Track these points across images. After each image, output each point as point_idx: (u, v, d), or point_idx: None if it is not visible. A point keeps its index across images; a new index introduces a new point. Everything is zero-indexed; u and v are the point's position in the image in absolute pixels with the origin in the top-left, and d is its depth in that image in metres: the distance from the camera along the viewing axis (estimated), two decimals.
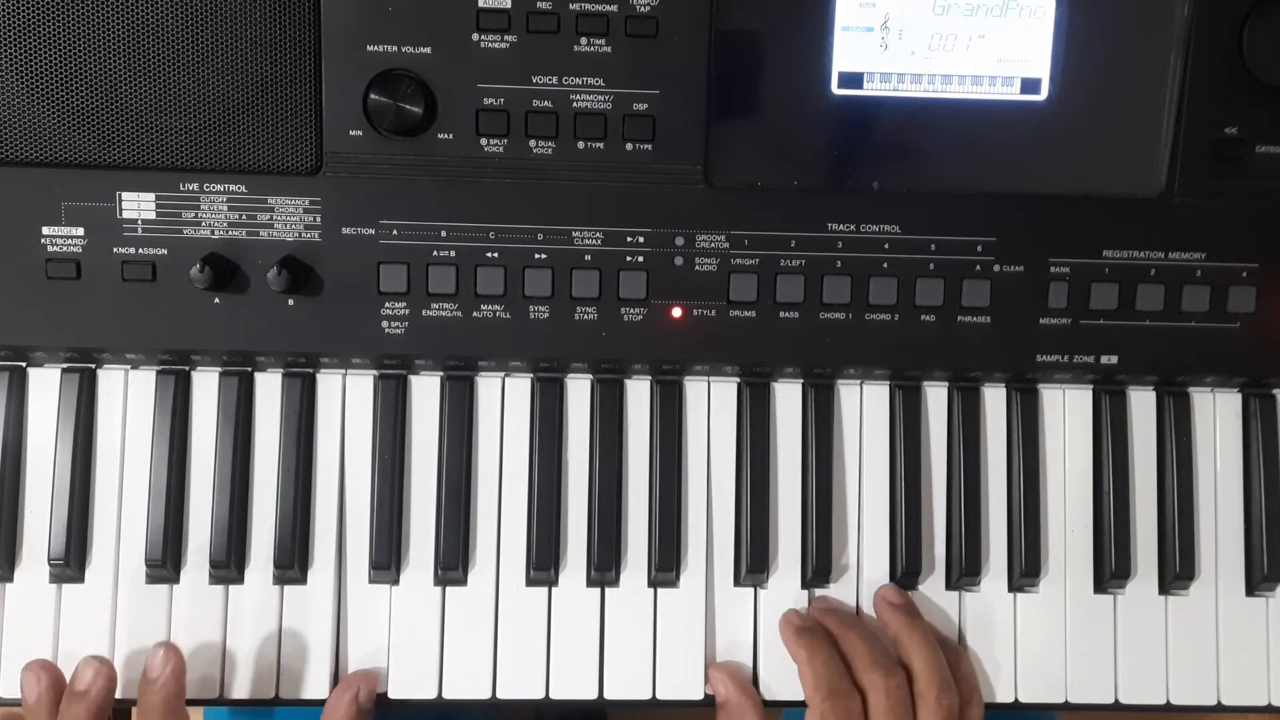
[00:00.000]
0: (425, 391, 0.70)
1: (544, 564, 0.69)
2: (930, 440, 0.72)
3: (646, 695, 0.69)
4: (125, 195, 0.65)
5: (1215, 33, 0.66)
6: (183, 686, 0.65)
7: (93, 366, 0.69)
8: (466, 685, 0.68)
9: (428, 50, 0.65)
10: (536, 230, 0.67)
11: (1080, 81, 0.67)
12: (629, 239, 0.67)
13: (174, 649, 0.65)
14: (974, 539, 0.71)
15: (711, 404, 0.71)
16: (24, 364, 0.69)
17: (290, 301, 0.66)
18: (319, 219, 0.66)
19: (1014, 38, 0.67)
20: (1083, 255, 0.68)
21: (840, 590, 0.71)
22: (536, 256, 0.67)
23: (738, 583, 0.70)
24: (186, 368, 0.69)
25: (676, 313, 0.68)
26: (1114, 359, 0.69)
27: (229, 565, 0.68)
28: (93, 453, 0.68)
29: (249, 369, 0.69)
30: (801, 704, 0.67)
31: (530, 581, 0.69)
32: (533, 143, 0.66)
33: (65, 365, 0.69)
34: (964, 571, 0.70)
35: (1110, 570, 0.71)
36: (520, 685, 0.68)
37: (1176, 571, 0.71)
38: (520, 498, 0.70)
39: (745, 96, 0.66)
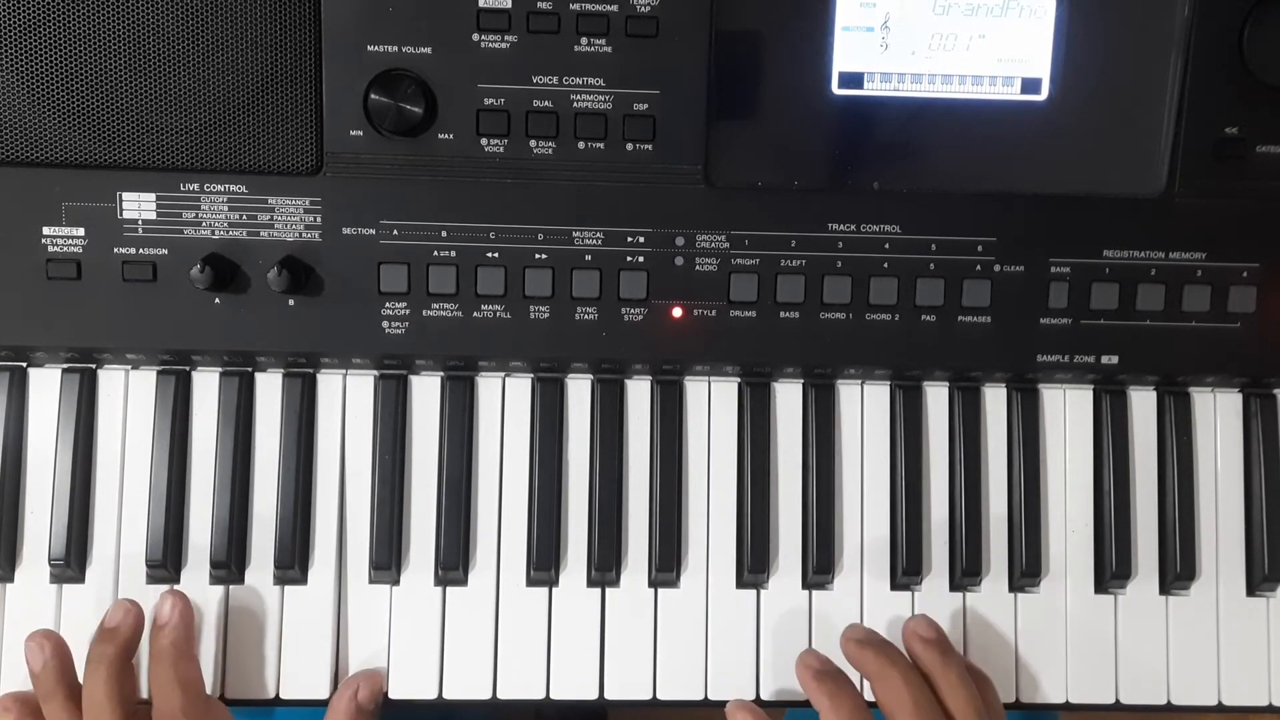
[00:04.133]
0: (426, 392, 0.70)
1: (544, 564, 0.69)
2: (931, 440, 0.72)
3: (647, 695, 0.69)
4: (125, 195, 0.65)
5: (1215, 33, 0.66)
6: (192, 631, 0.65)
7: (93, 367, 0.69)
8: (467, 685, 0.68)
9: (428, 50, 0.65)
10: (537, 230, 0.67)
11: (1080, 81, 0.67)
12: (629, 239, 0.67)
13: (181, 595, 0.66)
14: (974, 539, 0.71)
15: (712, 404, 0.71)
16: (24, 364, 0.69)
17: (290, 301, 0.66)
18: (319, 219, 0.66)
19: (1014, 38, 0.67)
20: (1083, 255, 0.68)
21: (840, 590, 0.71)
22: (537, 256, 0.67)
23: (738, 583, 0.70)
24: (187, 368, 0.69)
25: (677, 313, 0.68)
26: (1114, 359, 0.69)
27: (229, 565, 0.68)
28: (93, 453, 0.68)
29: (249, 369, 0.69)
30: (803, 703, 0.67)
31: (531, 581, 0.69)
32: (533, 143, 0.66)
33: (66, 365, 0.69)
34: (964, 571, 0.70)
35: (1111, 570, 0.71)
36: (521, 685, 0.68)
37: (1177, 571, 0.71)
38: (521, 498, 0.70)
39: (745, 96, 0.66)
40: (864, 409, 0.72)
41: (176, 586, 0.68)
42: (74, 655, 0.64)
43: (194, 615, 0.66)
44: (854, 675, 0.67)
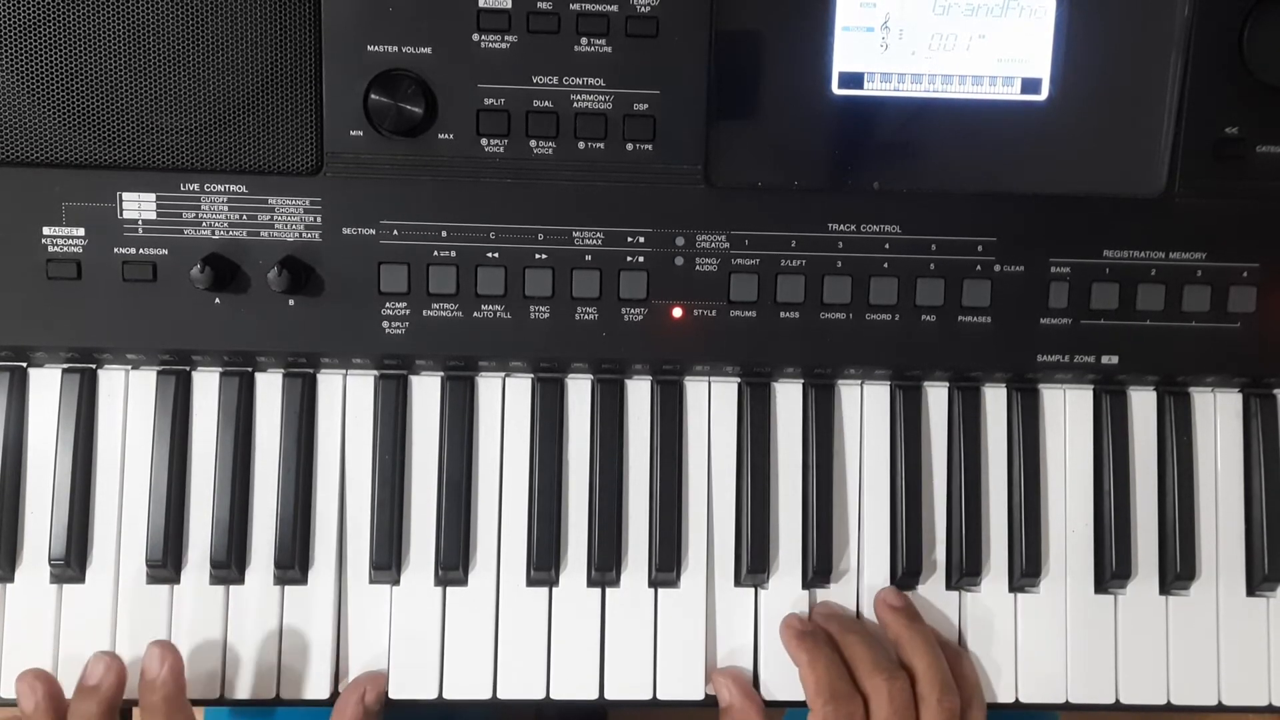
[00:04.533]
0: (426, 392, 0.70)
1: (544, 564, 0.69)
2: (931, 440, 0.72)
3: (647, 695, 0.69)
4: (126, 195, 0.65)
5: (1215, 33, 0.66)
6: (182, 683, 0.64)
7: (93, 367, 0.69)
8: (467, 685, 0.68)
9: (428, 50, 0.65)
10: (537, 230, 0.67)
11: (1080, 81, 0.67)
12: (629, 239, 0.67)
13: (169, 646, 0.64)
14: (974, 539, 0.71)
15: (712, 404, 0.71)
16: (24, 364, 0.69)
17: (291, 302, 0.66)
18: (319, 219, 0.66)
19: (1014, 38, 0.67)
20: (1083, 255, 0.68)
21: (841, 590, 0.71)
22: (537, 256, 0.67)
23: (738, 583, 0.70)
24: (187, 368, 0.69)
25: (677, 313, 0.68)
26: (1114, 359, 0.69)
27: (230, 565, 0.68)
28: (93, 453, 0.68)
29: (249, 369, 0.69)
30: (802, 704, 0.67)
31: (531, 582, 0.69)
32: (533, 143, 0.66)
33: (66, 365, 0.69)
34: (964, 571, 0.70)
35: (1111, 570, 0.71)
36: (521, 685, 0.68)
37: (1177, 571, 0.71)
38: (521, 498, 0.70)
39: (746, 96, 0.66)
40: (864, 409, 0.72)
41: (173, 600, 0.68)
42: (72, 651, 0.65)
43: (184, 665, 0.64)
44: None
